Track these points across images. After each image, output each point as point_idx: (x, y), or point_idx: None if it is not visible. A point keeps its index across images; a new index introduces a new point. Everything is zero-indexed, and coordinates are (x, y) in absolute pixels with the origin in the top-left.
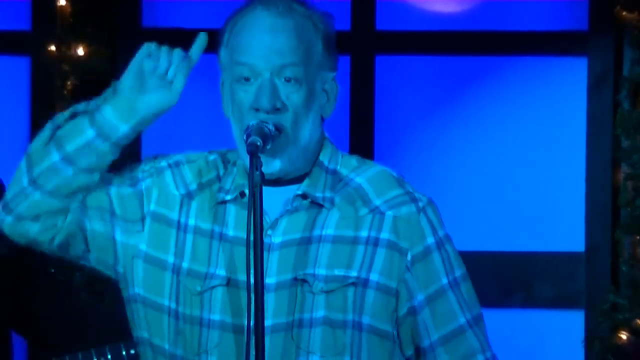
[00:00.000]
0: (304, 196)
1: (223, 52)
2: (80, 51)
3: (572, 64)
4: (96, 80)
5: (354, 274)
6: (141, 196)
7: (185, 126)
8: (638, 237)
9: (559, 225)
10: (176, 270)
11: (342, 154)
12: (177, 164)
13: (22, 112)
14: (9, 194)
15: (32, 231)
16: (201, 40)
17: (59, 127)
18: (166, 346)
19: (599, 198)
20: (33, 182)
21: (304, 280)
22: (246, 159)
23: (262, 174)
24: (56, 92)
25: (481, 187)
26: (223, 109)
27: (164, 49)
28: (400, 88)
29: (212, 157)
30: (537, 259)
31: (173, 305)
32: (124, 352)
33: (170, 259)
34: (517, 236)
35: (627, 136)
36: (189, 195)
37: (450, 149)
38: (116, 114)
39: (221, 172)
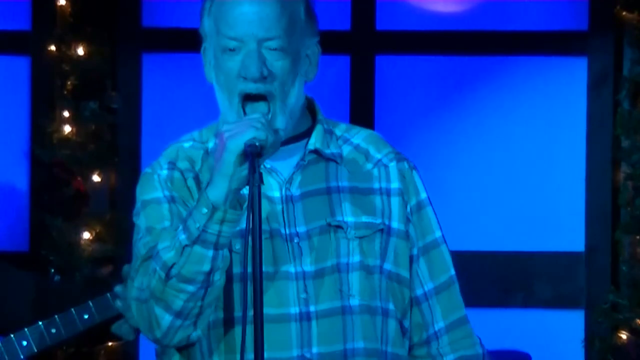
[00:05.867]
0: (315, 152)
1: (206, 21)
2: (80, 51)
3: (572, 64)
4: (96, 80)
5: (379, 220)
6: (182, 204)
7: (184, 126)
8: (638, 237)
9: (559, 225)
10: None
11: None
12: (172, 164)
13: (22, 112)
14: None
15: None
16: None
17: (172, 266)
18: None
19: (599, 198)
20: (180, 316)
21: (338, 227)
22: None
23: (260, 174)
24: (56, 92)
25: (481, 186)
26: (205, 74)
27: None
28: (400, 88)
29: (187, 144)
30: (537, 259)
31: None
32: (76, 317)
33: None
34: (517, 236)
35: (627, 136)
36: (196, 179)
37: (450, 149)
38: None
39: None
